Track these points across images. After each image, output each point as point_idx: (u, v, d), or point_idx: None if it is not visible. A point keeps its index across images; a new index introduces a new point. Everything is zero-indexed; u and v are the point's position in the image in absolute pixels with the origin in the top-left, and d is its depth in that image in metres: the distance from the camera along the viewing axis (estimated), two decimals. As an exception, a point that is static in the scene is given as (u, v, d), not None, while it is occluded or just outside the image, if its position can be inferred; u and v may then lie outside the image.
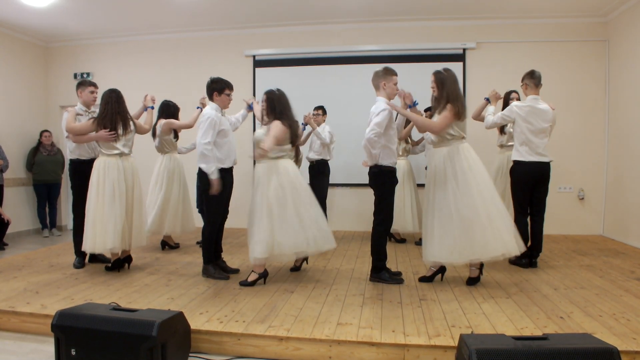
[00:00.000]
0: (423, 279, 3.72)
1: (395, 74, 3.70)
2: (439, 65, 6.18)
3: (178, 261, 4.51)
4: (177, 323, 2.40)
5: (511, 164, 4.25)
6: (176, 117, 4.95)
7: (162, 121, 4.80)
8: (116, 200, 3.85)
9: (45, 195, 6.57)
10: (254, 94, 6.67)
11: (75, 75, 7.08)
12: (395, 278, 3.68)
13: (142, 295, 3.34)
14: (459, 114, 3.43)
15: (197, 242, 5.36)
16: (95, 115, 4.03)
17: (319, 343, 2.51)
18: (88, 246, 3.88)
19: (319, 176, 5.44)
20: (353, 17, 6.25)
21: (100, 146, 3.97)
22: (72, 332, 2.30)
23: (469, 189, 3.37)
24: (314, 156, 5.45)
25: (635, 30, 5.31)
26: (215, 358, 2.55)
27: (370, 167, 3.66)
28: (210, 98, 3.85)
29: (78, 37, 6.98)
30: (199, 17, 6.25)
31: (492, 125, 4.18)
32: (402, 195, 5.26)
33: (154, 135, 4.86)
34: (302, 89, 6.50)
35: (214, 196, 3.71)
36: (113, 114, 3.91)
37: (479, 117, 4.45)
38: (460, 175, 3.40)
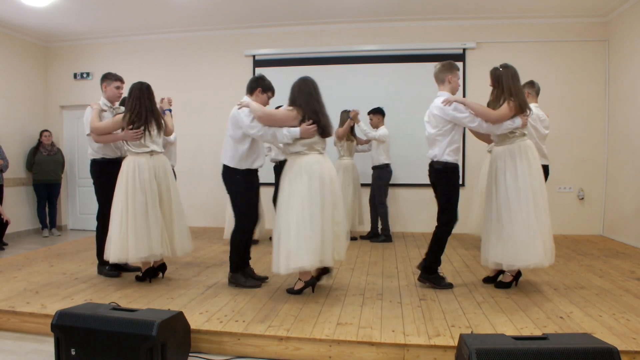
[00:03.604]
0: (487, 280, 3.62)
1: (459, 69, 3.57)
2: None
3: (178, 261, 4.51)
4: (177, 323, 2.40)
5: None
6: None
7: None
8: (149, 204, 3.50)
9: (45, 195, 6.57)
10: (254, 94, 6.67)
11: (75, 75, 7.09)
12: (447, 283, 3.54)
13: (142, 295, 3.34)
14: (521, 108, 3.32)
15: None
16: (120, 111, 3.77)
17: (319, 343, 2.51)
18: (115, 256, 3.45)
19: (278, 175, 5.36)
20: (353, 17, 6.25)
21: (129, 144, 3.60)
22: (72, 332, 2.30)
23: (528, 189, 3.27)
24: (279, 156, 5.33)
25: (635, 30, 5.31)
26: (215, 358, 2.55)
27: (433, 165, 3.48)
28: (251, 93, 3.64)
29: (78, 37, 6.98)
30: (199, 17, 6.25)
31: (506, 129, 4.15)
32: (345, 194, 5.23)
33: None
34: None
35: (243, 199, 3.51)
36: (143, 110, 3.56)
37: None
38: (522, 174, 3.29)
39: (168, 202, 3.65)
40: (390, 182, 5.77)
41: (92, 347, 2.27)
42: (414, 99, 6.26)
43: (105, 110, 3.85)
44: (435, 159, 3.46)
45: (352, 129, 5.56)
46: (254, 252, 4.26)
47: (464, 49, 6.24)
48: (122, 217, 3.47)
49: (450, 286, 3.53)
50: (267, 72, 6.60)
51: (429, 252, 3.54)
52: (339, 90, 6.46)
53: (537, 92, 4.31)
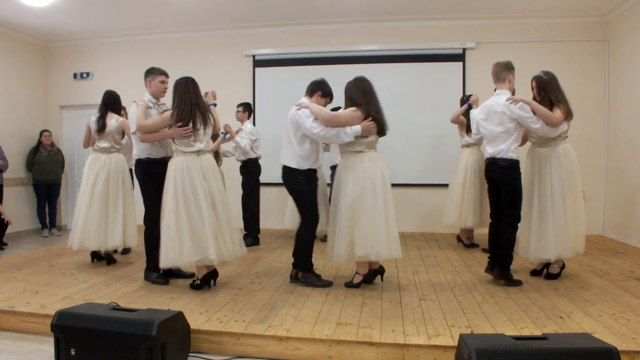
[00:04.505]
0: (535, 273, 3.82)
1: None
2: (439, 65, 6.32)
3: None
4: (176, 323, 2.40)
5: (481, 162, 4.71)
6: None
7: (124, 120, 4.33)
8: (202, 205, 3.32)
9: (45, 195, 6.57)
10: (254, 94, 6.68)
11: (75, 75, 7.09)
12: (516, 280, 3.58)
13: (141, 295, 3.34)
14: (568, 113, 3.51)
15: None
16: (166, 107, 3.59)
17: (319, 343, 2.51)
18: (167, 261, 3.31)
19: (245, 175, 5.36)
20: (353, 17, 6.25)
21: (177, 143, 3.41)
22: (72, 332, 2.30)
23: (570, 188, 3.53)
24: (241, 157, 5.35)
25: (635, 30, 5.31)
26: (215, 358, 2.55)
27: (497, 162, 3.51)
28: (311, 95, 3.69)
29: (78, 37, 6.98)
30: (199, 17, 6.25)
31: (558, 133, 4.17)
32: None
33: (102, 131, 4.26)
34: (302, 89, 6.47)
35: (309, 198, 3.53)
36: (191, 106, 3.37)
37: (457, 120, 4.88)
38: (565, 174, 3.53)
39: (221, 204, 3.46)
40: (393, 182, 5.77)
41: (92, 347, 2.27)
42: (414, 99, 6.27)
43: (150, 107, 3.63)
44: (499, 156, 3.51)
45: None
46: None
47: (464, 49, 6.24)
48: (171, 221, 3.30)
49: (520, 283, 3.58)
50: (267, 72, 6.68)
51: (505, 250, 3.54)
52: (339, 90, 6.45)
53: (513, 94, 4.57)
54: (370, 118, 3.35)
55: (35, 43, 6.96)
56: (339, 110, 3.52)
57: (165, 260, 3.32)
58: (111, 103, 4.31)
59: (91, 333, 2.27)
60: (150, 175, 3.63)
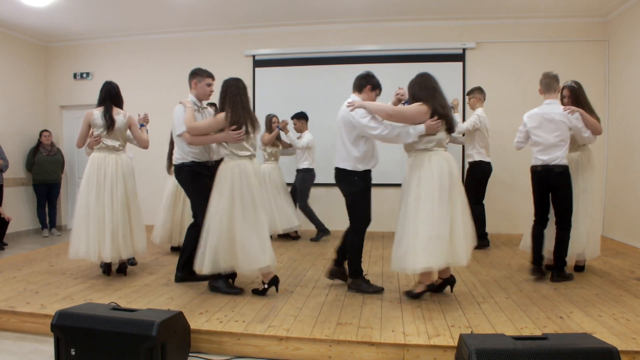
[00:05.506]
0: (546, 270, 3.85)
1: None
2: (439, 65, 6.32)
3: (177, 261, 4.50)
4: (176, 323, 2.40)
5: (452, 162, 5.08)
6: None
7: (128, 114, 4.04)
8: (259, 209, 3.27)
9: (45, 195, 6.57)
10: (254, 94, 6.67)
11: (75, 75, 7.09)
12: (569, 274, 3.74)
13: (141, 295, 3.34)
14: (599, 121, 3.76)
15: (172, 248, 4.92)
16: (209, 111, 3.54)
17: (319, 343, 2.51)
18: (208, 267, 3.21)
19: None
20: (353, 17, 6.25)
21: (231, 147, 3.30)
22: (72, 332, 2.30)
23: (594, 189, 3.84)
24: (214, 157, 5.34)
25: (635, 30, 5.31)
26: (215, 358, 2.55)
27: (552, 169, 3.58)
28: (360, 91, 3.45)
29: (78, 37, 6.98)
30: (199, 17, 6.25)
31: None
32: (275, 197, 5.45)
33: (111, 128, 3.87)
34: (301, 89, 6.51)
35: (361, 200, 3.39)
36: (244, 109, 3.29)
37: None
38: (590, 176, 3.83)
39: (263, 210, 3.37)
40: (387, 182, 5.80)
41: (92, 347, 2.27)
42: (414, 99, 6.27)
43: (195, 110, 3.52)
44: (554, 163, 3.59)
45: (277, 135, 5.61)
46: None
47: (464, 49, 6.23)
48: (223, 226, 3.20)
49: (572, 277, 3.73)
50: (267, 72, 6.68)
51: (560, 254, 3.65)
52: (339, 90, 6.44)
53: (484, 98, 4.89)
54: (436, 117, 3.09)
55: (35, 43, 6.96)
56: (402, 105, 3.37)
57: (200, 265, 3.21)
58: (114, 96, 3.92)
59: (91, 333, 2.27)
60: (200, 177, 3.50)
